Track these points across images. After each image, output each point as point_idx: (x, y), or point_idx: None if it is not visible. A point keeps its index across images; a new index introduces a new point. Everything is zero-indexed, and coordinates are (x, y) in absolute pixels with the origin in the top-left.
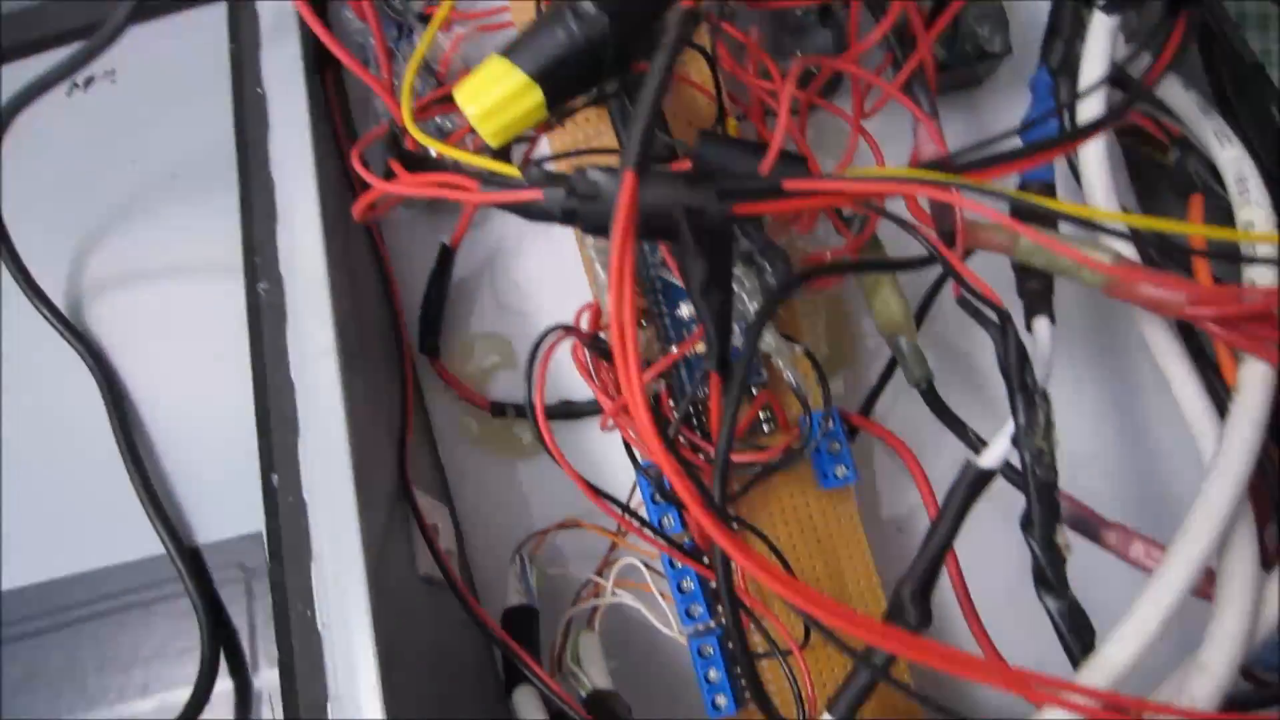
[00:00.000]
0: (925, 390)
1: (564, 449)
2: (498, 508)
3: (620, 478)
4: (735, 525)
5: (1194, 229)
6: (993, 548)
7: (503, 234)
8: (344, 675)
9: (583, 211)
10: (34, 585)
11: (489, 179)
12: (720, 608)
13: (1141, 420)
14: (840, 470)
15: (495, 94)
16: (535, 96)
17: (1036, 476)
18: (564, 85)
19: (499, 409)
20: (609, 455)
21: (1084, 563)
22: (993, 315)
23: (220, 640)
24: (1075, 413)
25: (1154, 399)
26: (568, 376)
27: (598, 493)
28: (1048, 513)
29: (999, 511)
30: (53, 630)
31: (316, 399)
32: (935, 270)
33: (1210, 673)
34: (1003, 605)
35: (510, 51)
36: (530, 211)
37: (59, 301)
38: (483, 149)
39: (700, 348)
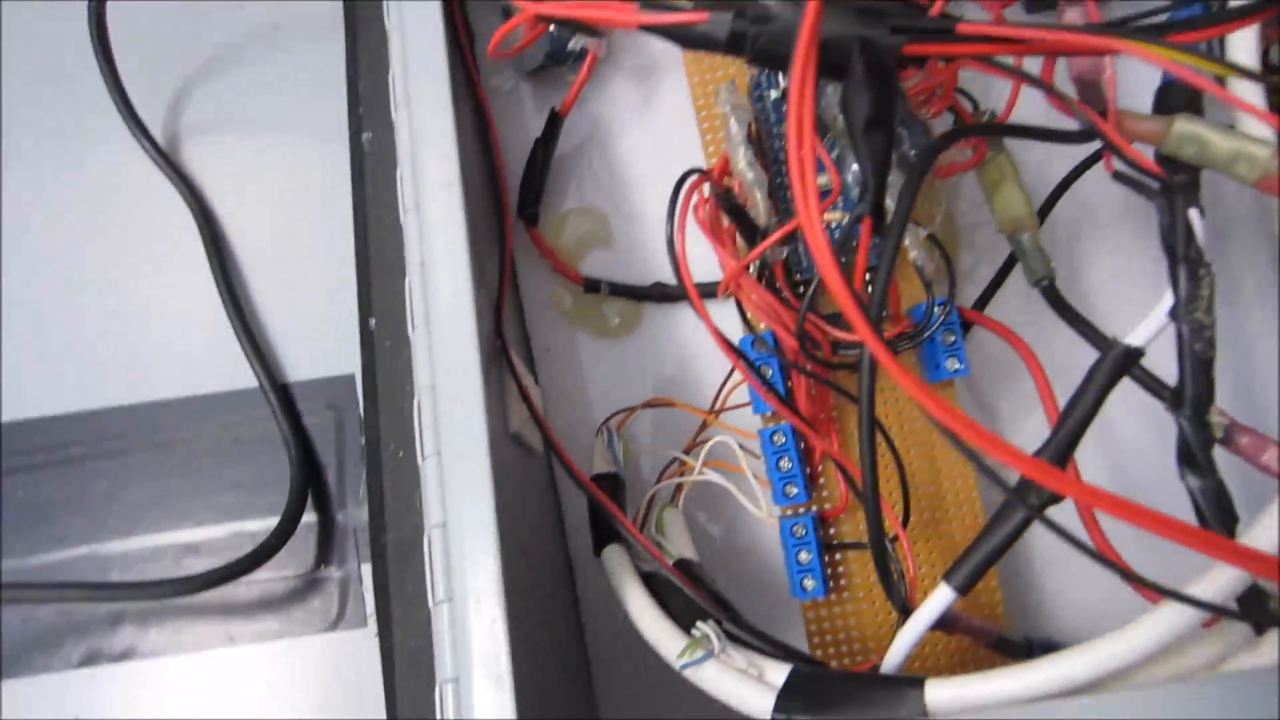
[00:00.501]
0: (1047, 288)
1: (655, 333)
2: (581, 385)
3: (713, 368)
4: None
5: None
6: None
7: (602, 112)
8: (453, 503)
9: (752, 34)
10: (123, 407)
11: (648, 1)
12: (813, 494)
13: (1247, 336)
14: (953, 363)
15: None
16: None
17: (1195, 352)
18: None
19: (592, 284)
20: (701, 344)
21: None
22: (1154, 185)
23: (309, 475)
24: None
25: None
26: (660, 257)
27: (727, 344)
28: (1203, 388)
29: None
30: (141, 450)
31: (433, 233)
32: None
33: None
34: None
35: None
36: (690, 37)
37: (159, 138)
38: None
39: (829, 216)
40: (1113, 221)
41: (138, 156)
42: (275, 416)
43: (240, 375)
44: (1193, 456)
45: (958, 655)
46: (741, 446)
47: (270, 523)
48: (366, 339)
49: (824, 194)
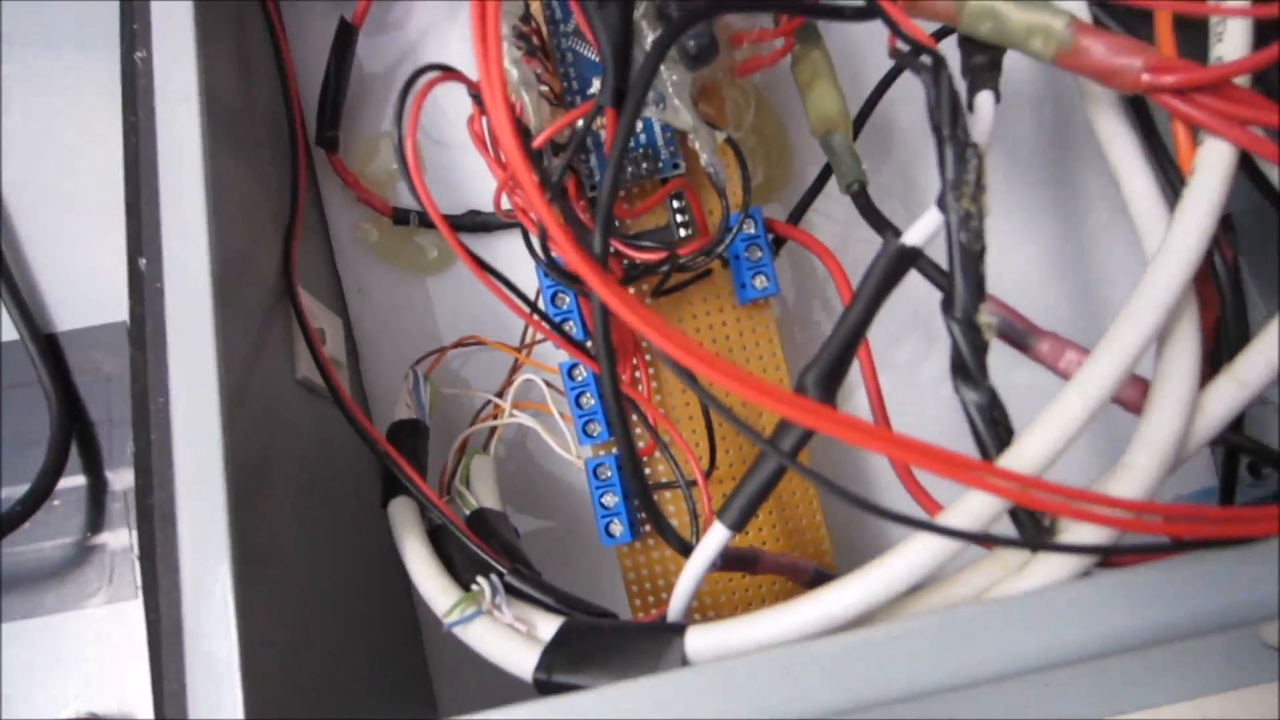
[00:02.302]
0: (857, 193)
1: None
2: (397, 324)
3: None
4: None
5: None
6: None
7: (419, 30)
8: (191, 477)
9: None
10: None
11: None
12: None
13: (1085, 239)
14: (760, 280)
15: None
16: None
17: (961, 244)
18: None
19: (401, 215)
20: (524, 275)
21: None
22: (926, 60)
23: (71, 431)
24: (1013, 227)
25: (1101, 217)
26: (475, 184)
27: (495, 275)
28: (972, 287)
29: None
30: None
31: (176, 156)
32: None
33: (1137, 472)
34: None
35: None
36: None
37: None
38: None
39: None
40: None
41: None
42: (35, 369)
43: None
44: (965, 365)
45: (783, 597)
46: (549, 384)
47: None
48: (135, 280)
49: None
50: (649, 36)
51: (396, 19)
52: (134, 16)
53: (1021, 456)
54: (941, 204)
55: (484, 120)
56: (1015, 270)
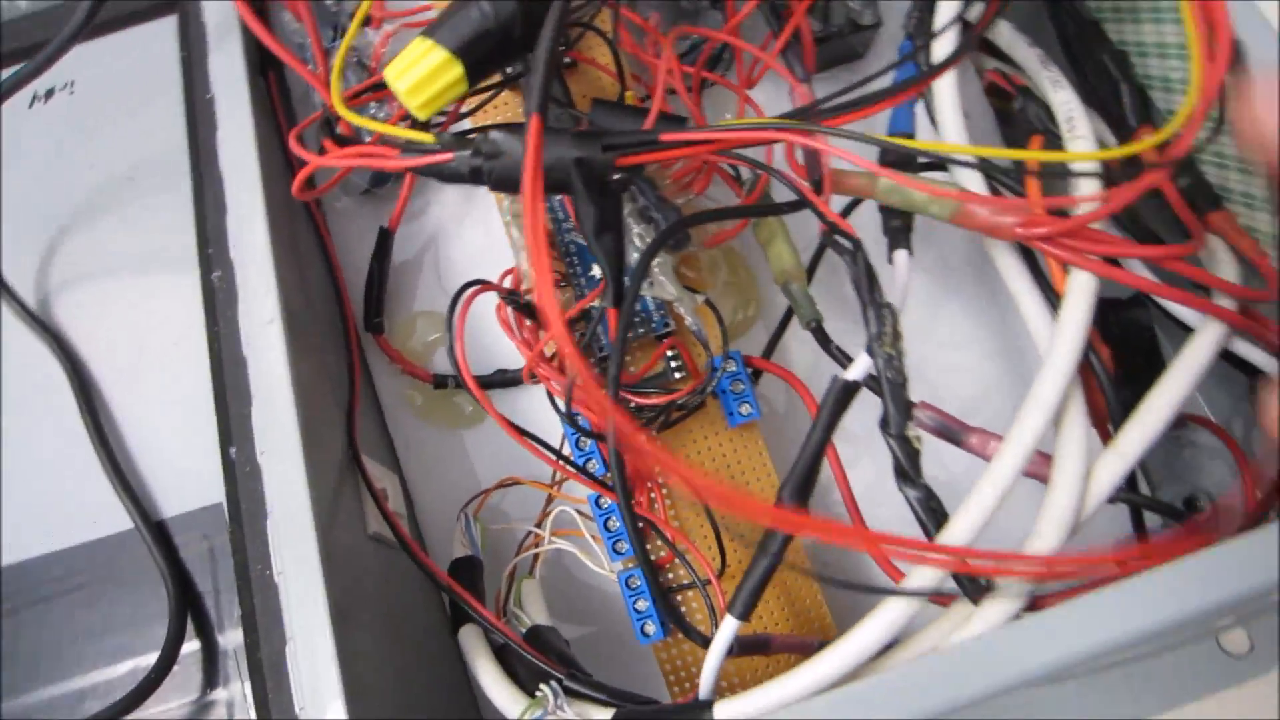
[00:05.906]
0: (815, 329)
1: (506, 415)
2: (443, 473)
3: (557, 442)
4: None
5: (1026, 154)
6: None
7: (439, 220)
8: (299, 617)
9: (486, 168)
10: (8, 566)
11: (407, 147)
12: (648, 543)
13: (1011, 340)
14: (745, 408)
15: (420, 70)
16: (456, 71)
17: (889, 379)
18: (482, 61)
19: (440, 381)
20: (542, 422)
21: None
22: (848, 244)
23: (187, 604)
24: (955, 334)
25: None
26: (502, 345)
27: (524, 434)
28: (900, 410)
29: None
30: (28, 608)
31: (265, 365)
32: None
33: (1042, 539)
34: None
35: (430, 31)
36: (444, 173)
37: (28, 296)
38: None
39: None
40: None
41: (6, 317)
42: (151, 553)
43: (118, 518)
44: (904, 470)
45: None
46: (580, 512)
47: None
48: (228, 467)
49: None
50: (635, 230)
51: (419, 211)
52: (209, 242)
53: (954, 533)
54: (870, 351)
55: (509, 310)
56: (961, 356)
